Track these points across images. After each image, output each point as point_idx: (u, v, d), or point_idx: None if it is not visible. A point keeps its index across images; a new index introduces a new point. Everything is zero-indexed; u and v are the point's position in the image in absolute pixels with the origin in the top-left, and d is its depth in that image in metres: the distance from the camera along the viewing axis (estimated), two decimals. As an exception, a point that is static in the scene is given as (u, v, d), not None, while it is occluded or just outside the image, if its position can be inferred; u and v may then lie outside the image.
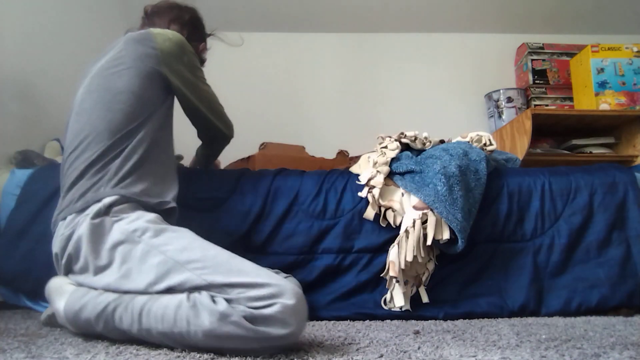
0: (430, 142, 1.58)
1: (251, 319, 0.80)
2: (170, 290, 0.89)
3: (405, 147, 1.56)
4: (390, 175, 1.45)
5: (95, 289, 0.97)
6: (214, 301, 0.83)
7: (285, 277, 1.25)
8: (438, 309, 1.35)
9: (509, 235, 1.43)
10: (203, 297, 0.85)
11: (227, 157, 2.19)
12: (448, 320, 1.30)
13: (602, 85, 2.33)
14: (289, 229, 1.42)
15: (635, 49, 2.36)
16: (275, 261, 1.38)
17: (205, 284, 0.86)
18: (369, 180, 1.42)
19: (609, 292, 1.38)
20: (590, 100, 2.35)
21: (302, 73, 2.74)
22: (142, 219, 1.00)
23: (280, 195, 1.44)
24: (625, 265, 1.40)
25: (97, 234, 0.99)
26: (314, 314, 1.32)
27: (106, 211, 1.01)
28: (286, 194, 1.44)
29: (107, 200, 1.02)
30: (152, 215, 1.02)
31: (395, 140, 1.55)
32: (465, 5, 2.64)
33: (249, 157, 2.09)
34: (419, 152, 1.55)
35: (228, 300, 0.83)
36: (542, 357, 0.84)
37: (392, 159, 1.48)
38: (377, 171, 1.43)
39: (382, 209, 1.40)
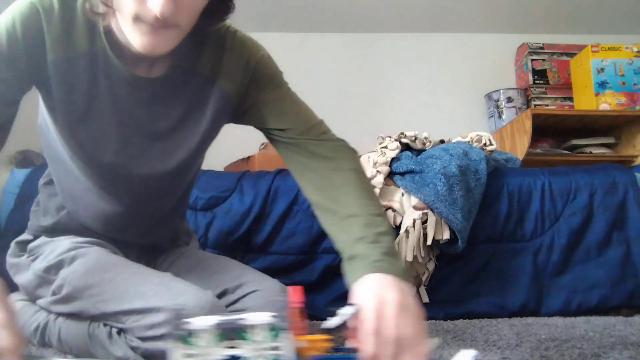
0: (430, 142, 1.58)
1: (150, 356, 0.73)
2: (73, 315, 0.85)
3: (405, 147, 1.56)
4: (390, 175, 1.45)
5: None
6: (110, 335, 0.78)
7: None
8: (438, 309, 1.35)
9: (509, 235, 1.43)
10: (101, 332, 0.79)
11: (227, 157, 2.19)
12: (448, 320, 1.30)
13: (602, 85, 2.33)
14: (289, 229, 1.42)
15: (635, 49, 2.36)
16: (275, 261, 1.38)
17: (99, 313, 0.79)
18: (369, 180, 1.42)
19: (609, 292, 1.38)
20: (590, 100, 2.35)
21: (302, 73, 2.73)
22: (55, 252, 0.89)
23: (280, 195, 1.44)
24: (625, 265, 1.40)
25: (18, 274, 0.96)
26: (314, 314, 1.32)
27: (21, 249, 0.96)
28: (286, 194, 1.44)
29: (20, 239, 0.97)
30: (65, 245, 0.90)
31: (395, 140, 1.55)
32: (465, 5, 2.64)
33: (249, 157, 2.09)
34: (419, 152, 1.55)
35: (124, 330, 0.77)
36: (542, 357, 0.84)
37: (392, 159, 1.48)
38: (377, 171, 1.43)
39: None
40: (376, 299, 0.60)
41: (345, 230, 0.76)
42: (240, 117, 0.91)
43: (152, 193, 0.91)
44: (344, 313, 0.58)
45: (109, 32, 0.75)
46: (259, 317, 0.53)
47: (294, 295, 0.60)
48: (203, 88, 0.85)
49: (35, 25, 0.71)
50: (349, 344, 0.60)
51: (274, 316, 0.53)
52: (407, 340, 0.57)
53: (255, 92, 0.88)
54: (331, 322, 0.58)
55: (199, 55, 0.83)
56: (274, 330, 0.53)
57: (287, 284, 0.97)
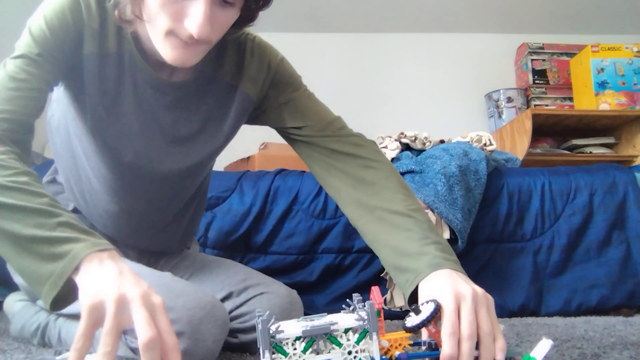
0: (430, 142, 1.58)
1: None
2: (73, 316, 0.85)
3: (405, 147, 1.56)
4: (390, 175, 1.45)
5: None
6: None
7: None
8: (438, 309, 1.35)
9: (509, 235, 1.43)
10: (101, 333, 0.78)
11: (227, 157, 2.19)
12: (448, 320, 1.30)
13: (602, 85, 2.33)
14: (289, 229, 1.42)
15: (635, 49, 2.36)
16: (275, 261, 1.38)
17: None
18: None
19: (609, 292, 1.38)
20: (590, 100, 2.35)
21: (302, 73, 2.72)
22: None
23: (280, 195, 1.44)
24: (625, 265, 1.40)
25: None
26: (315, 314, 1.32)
27: None
28: (286, 194, 1.44)
29: None
30: None
31: (395, 140, 1.55)
32: (465, 5, 2.64)
33: (249, 157, 2.09)
34: (419, 152, 1.55)
35: (124, 331, 0.73)
36: (542, 357, 0.84)
37: (392, 159, 1.48)
38: (377, 171, 1.42)
39: (382, 209, 1.40)
40: (454, 297, 0.59)
41: (391, 227, 0.76)
42: (256, 118, 0.93)
43: (167, 191, 0.92)
44: (427, 312, 0.57)
45: (135, 36, 0.77)
46: (349, 321, 0.53)
47: (377, 295, 0.60)
48: (225, 94, 0.86)
49: (79, 15, 0.73)
50: (424, 336, 0.61)
51: (360, 319, 0.53)
52: (484, 336, 0.58)
53: (275, 94, 0.89)
54: (414, 321, 0.57)
55: (220, 63, 0.85)
56: (364, 332, 0.53)
57: (287, 284, 0.97)
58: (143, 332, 0.49)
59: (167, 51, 0.70)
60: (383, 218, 0.77)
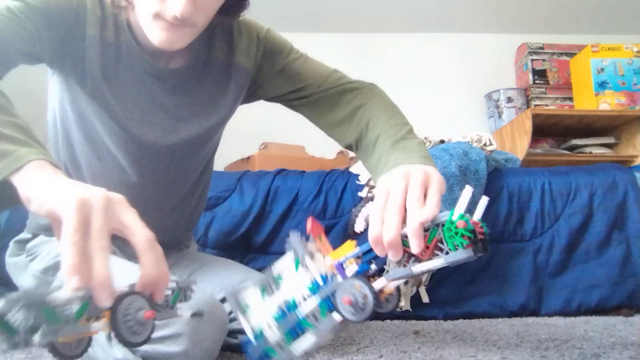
0: (430, 142, 1.58)
1: (150, 358, 0.73)
2: None
3: (405, 147, 1.56)
4: (390, 175, 1.45)
5: None
6: (109, 337, 0.74)
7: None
8: (438, 309, 1.35)
9: (509, 235, 1.43)
10: (100, 335, 0.74)
11: (227, 157, 2.19)
12: (448, 320, 1.30)
13: (602, 85, 2.33)
14: (289, 229, 1.41)
15: (635, 49, 2.36)
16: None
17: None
18: (369, 180, 1.42)
19: (609, 292, 1.38)
20: (590, 100, 2.35)
21: (302, 73, 2.72)
22: (52, 253, 0.89)
23: (280, 195, 1.44)
24: (625, 265, 1.40)
25: (16, 274, 0.96)
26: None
27: (20, 248, 0.96)
28: (286, 194, 1.44)
29: (18, 237, 0.97)
30: None
31: (395, 140, 1.55)
32: (465, 5, 2.64)
33: (249, 157, 2.09)
34: (419, 152, 1.55)
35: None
36: (542, 357, 0.84)
37: (392, 159, 1.48)
38: (377, 171, 1.43)
39: (382, 209, 1.40)
40: (385, 189, 0.60)
41: (377, 154, 0.78)
42: (256, 92, 0.96)
43: (173, 168, 0.92)
44: (365, 212, 0.61)
45: (129, 26, 0.80)
46: (281, 261, 0.60)
47: (313, 224, 0.64)
48: (222, 73, 0.90)
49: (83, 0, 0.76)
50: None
51: (289, 248, 0.60)
52: (408, 203, 0.57)
53: (269, 64, 0.93)
54: (358, 226, 0.62)
55: (211, 45, 0.88)
56: (297, 261, 0.59)
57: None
58: (143, 231, 0.48)
59: (154, 34, 0.72)
60: (375, 148, 0.80)
